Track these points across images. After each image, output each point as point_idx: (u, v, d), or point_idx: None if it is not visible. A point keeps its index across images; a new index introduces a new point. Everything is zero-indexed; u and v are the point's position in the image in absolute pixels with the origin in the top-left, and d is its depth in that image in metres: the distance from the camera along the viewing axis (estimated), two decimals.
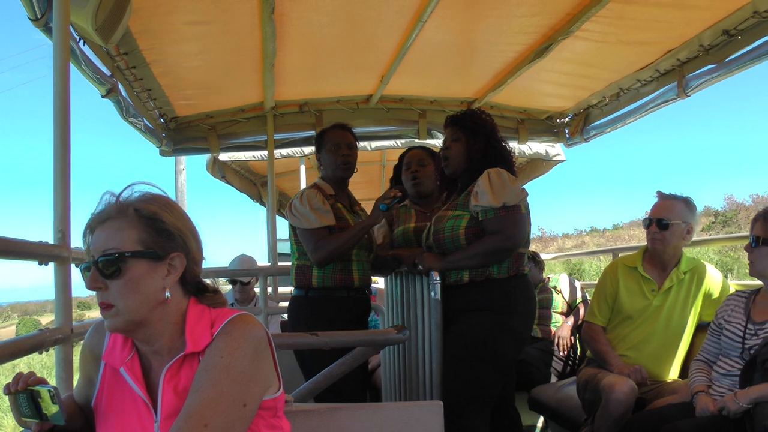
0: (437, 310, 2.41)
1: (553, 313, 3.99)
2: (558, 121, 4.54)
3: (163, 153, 4.12)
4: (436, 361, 2.42)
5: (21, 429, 1.35)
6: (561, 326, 3.89)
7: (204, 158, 5.39)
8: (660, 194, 2.73)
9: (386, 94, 4.09)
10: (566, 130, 4.54)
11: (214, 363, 1.19)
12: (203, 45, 3.13)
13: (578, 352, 3.82)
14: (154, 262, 1.23)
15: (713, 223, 19.75)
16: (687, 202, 2.68)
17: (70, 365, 1.85)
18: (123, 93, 3.06)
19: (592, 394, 2.53)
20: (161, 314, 1.24)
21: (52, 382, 1.35)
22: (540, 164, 5.63)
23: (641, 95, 3.70)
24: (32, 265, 1.71)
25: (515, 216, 2.38)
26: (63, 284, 1.85)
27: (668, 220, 2.63)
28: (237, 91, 3.90)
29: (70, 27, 2.06)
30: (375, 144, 4.94)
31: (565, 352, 3.82)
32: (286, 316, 3.17)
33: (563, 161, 5.54)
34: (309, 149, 5.18)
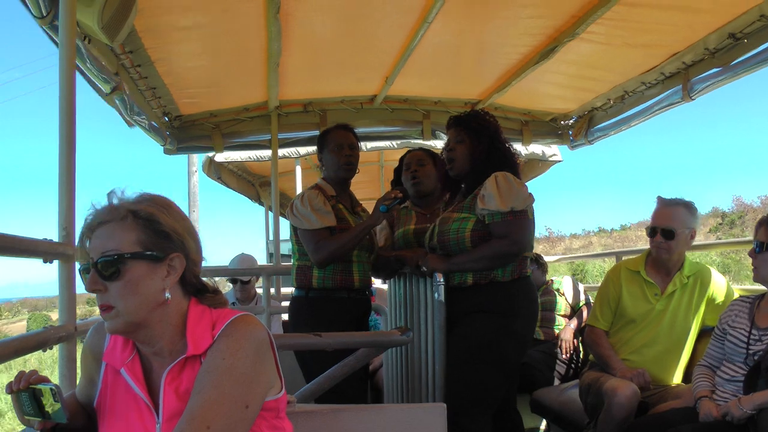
0: (440, 311, 2.40)
1: (556, 316, 3.99)
2: (562, 123, 4.54)
3: (167, 151, 4.12)
4: (439, 362, 2.42)
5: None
6: (564, 329, 3.88)
7: None
8: (661, 200, 2.71)
9: (391, 95, 4.08)
10: (570, 133, 4.53)
11: (216, 365, 1.19)
12: (208, 44, 3.13)
13: (581, 355, 3.81)
14: (153, 263, 1.23)
15: (720, 224, 19.72)
16: (688, 207, 2.66)
17: (73, 363, 1.85)
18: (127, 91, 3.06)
19: (595, 397, 2.52)
20: (161, 315, 1.24)
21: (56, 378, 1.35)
22: (537, 165, 5.64)
23: (646, 98, 3.69)
24: (40, 261, 1.72)
25: (522, 221, 2.38)
26: (67, 282, 1.85)
27: (674, 228, 2.61)
28: (241, 90, 3.90)
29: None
30: (371, 144, 4.94)
31: (568, 355, 3.81)
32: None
33: (560, 161, 5.56)
34: (305, 150, 5.19)
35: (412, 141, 4.66)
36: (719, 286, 2.69)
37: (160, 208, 1.26)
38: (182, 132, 4.14)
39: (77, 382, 1.51)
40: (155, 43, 2.88)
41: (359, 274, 2.78)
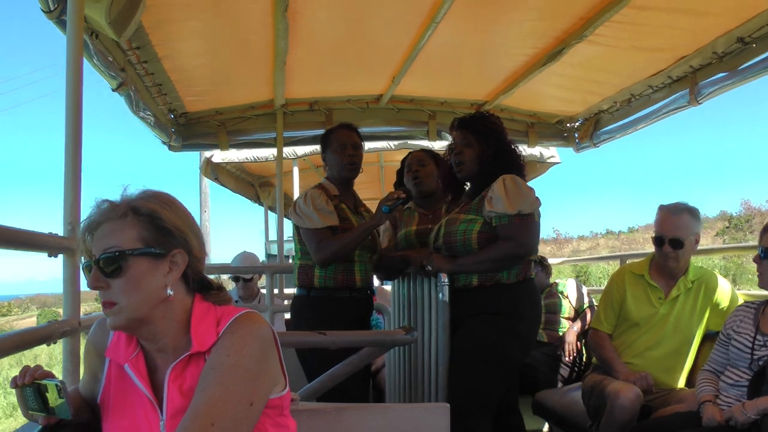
0: (445, 312, 2.40)
1: (559, 318, 3.99)
2: (568, 125, 4.53)
3: (171, 148, 4.13)
4: (442, 363, 2.41)
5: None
6: (567, 331, 3.87)
7: None
8: (665, 208, 2.67)
9: (397, 95, 4.08)
10: (576, 135, 4.53)
11: (221, 362, 1.18)
12: (215, 41, 3.13)
13: (584, 358, 3.80)
14: (155, 260, 1.22)
15: (727, 227, 19.70)
16: (692, 213, 2.64)
17: (77, 358, 1.85)
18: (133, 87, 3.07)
19: (597, 400, 2.52)
20: (164, 312, 1.24)
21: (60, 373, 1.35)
22: (535, 166, 5.65)
23: (653, 101, 3.69)
24: (46, 256, 1.72)
25: (529, 224, 2.38)
26: (72, 276, 1.85)
27: (682, 238, 2.59)
28: (247, 88, 3.91)
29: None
30: (369, 145, 4.94)
31: (571, 358, 3.81)
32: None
33: (558, 163, 5.57)
34: (302, 150, 5.19)
35: (418, 142, 4.65)
36: (724, 292, 2.68)
37: (162, 205, 1.26)
38: (187, 129, 4.15)
39: (81, 376, 1.51)
40: (162, 39, 2.88)
41: (361, 274, 2.78)
